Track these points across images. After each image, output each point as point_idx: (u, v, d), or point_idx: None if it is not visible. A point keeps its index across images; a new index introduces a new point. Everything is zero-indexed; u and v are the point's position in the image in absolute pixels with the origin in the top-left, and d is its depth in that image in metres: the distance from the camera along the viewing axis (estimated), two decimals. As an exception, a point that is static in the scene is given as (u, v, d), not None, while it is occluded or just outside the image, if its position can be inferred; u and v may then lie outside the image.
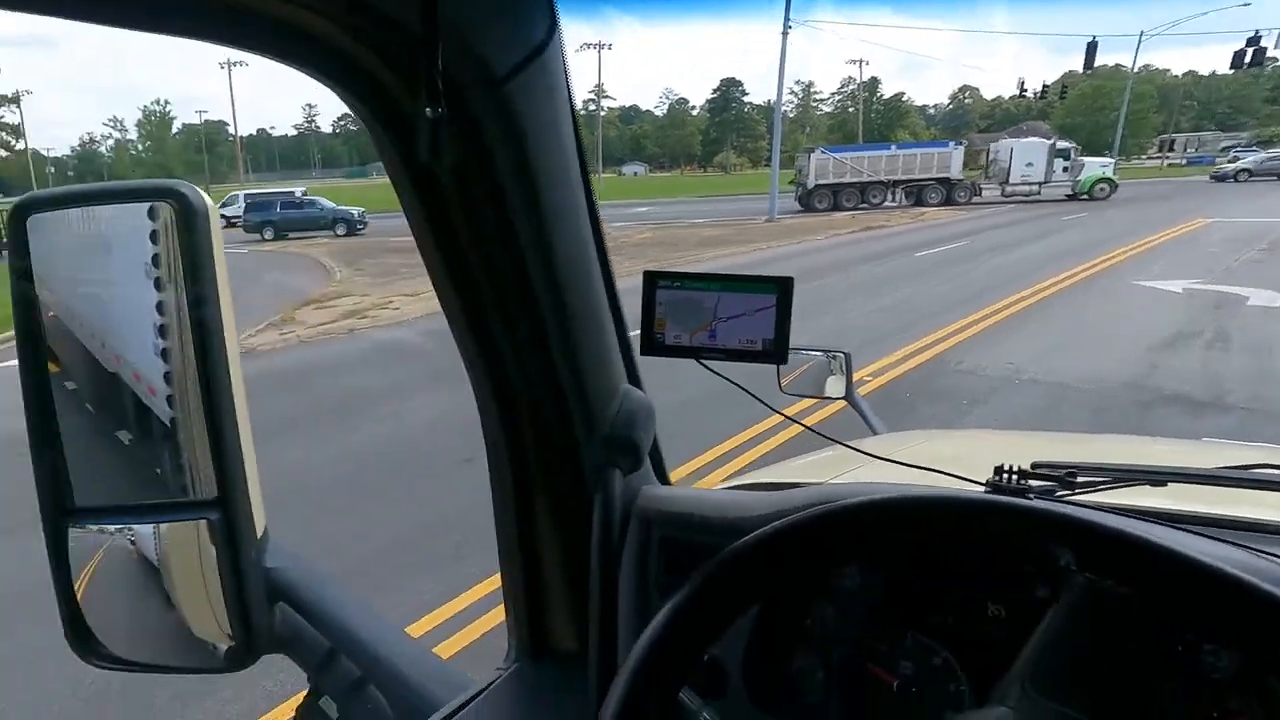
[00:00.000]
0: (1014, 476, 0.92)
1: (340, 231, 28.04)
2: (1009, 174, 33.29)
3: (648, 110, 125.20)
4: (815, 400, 1.84)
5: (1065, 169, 32.57)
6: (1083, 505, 0.93)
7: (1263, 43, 32.36)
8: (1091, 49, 34.76)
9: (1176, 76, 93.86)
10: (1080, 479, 0.98)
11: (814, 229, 23.42)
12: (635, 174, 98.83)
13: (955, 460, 1.07)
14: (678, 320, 0.96)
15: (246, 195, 32.14)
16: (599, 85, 66.57)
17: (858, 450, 1.18)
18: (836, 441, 1.20)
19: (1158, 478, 1.02)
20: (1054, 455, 1.06)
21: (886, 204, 32.57)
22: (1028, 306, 10.30)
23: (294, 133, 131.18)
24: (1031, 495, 0.90)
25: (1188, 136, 79.68)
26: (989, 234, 20.24)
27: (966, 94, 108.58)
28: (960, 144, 35.57)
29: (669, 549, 1.11)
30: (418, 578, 3.92)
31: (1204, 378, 6.70)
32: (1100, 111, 65.42)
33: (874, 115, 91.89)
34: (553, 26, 0.78)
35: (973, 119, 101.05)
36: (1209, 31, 52.54)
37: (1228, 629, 0.73)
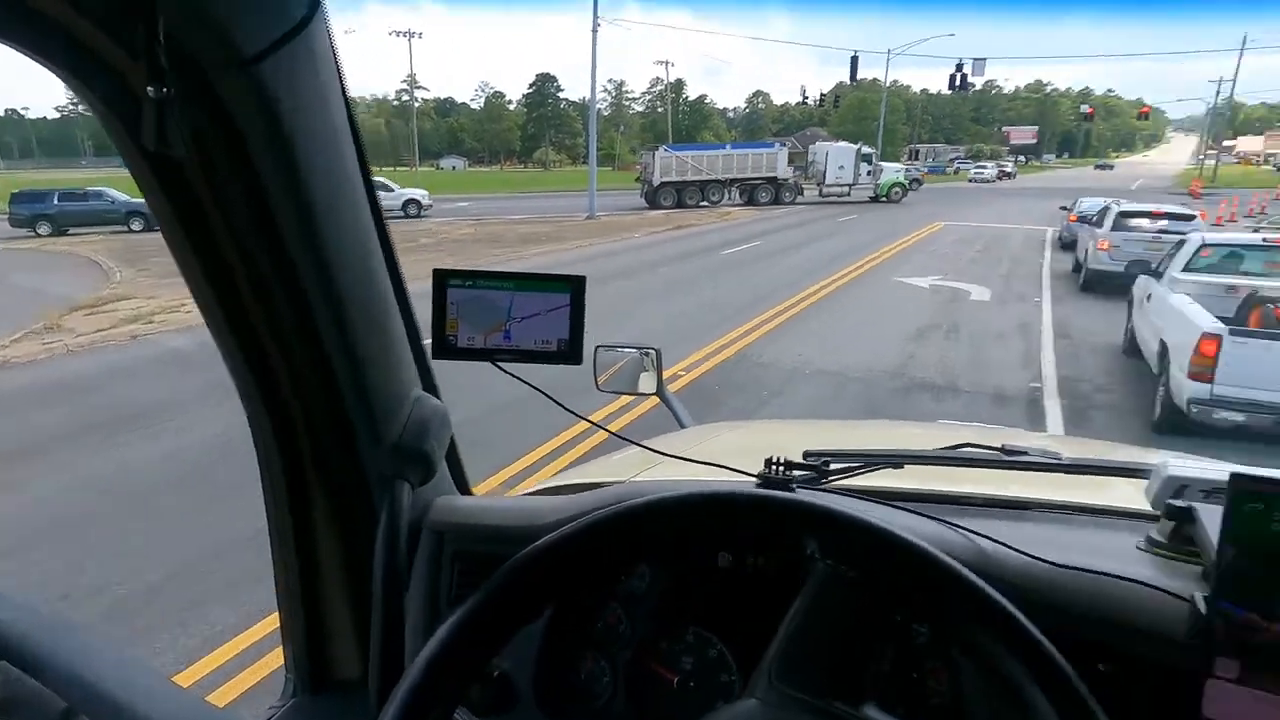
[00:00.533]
0: (781, 468, 0.96)
1: (136, 227, 24.56)
2: (825, 176, 35.37)
3: (464, 103, 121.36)
4: (631, 396, 1.85)
5: (869, 173, 35.18)
6: (838, 492, 1.01)
7: (965, 69, 37.25)
8: (854, 62, 36.98)
9: (916, 93, 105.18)
10: (835, 466, 1.04)
11: (630, 227, 24.27)
12: (454, 168, 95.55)
13: (743, 453, 1.06)
14: (471, 321, 0.89)
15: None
16: (411, 75, 64.05)
17: (650, 449, 1.15)
18: (630, 441, 1.19)
19: (896, 460, 1.10)
20: (826, 443, 1.12)
21: (724, 202, 33.42)
22: (814, 302, 11.54)
23: (56, 115, 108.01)
24: (794, 485, 0.95)
25: (926, 147, 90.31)
26: (780, 234, 22.02)
27: (760, 99, 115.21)
28: (784, 145, 37.39)
29: (463, 562, 1.06)
30: (205, 610, 3.59)
31: (941, 366, 8.03)
32: (865, 121, 71.96)
33: (681, 116, 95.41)
34: (314, 2, 0.72)
35: (766, 123, 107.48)
36: (934, 55, 60.07)
37: (921, 599, 0.75)
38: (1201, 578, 0.83)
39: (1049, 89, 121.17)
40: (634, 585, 1.04)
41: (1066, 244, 17.18)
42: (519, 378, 0.96)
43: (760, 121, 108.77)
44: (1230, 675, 0.72)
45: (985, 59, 43.54)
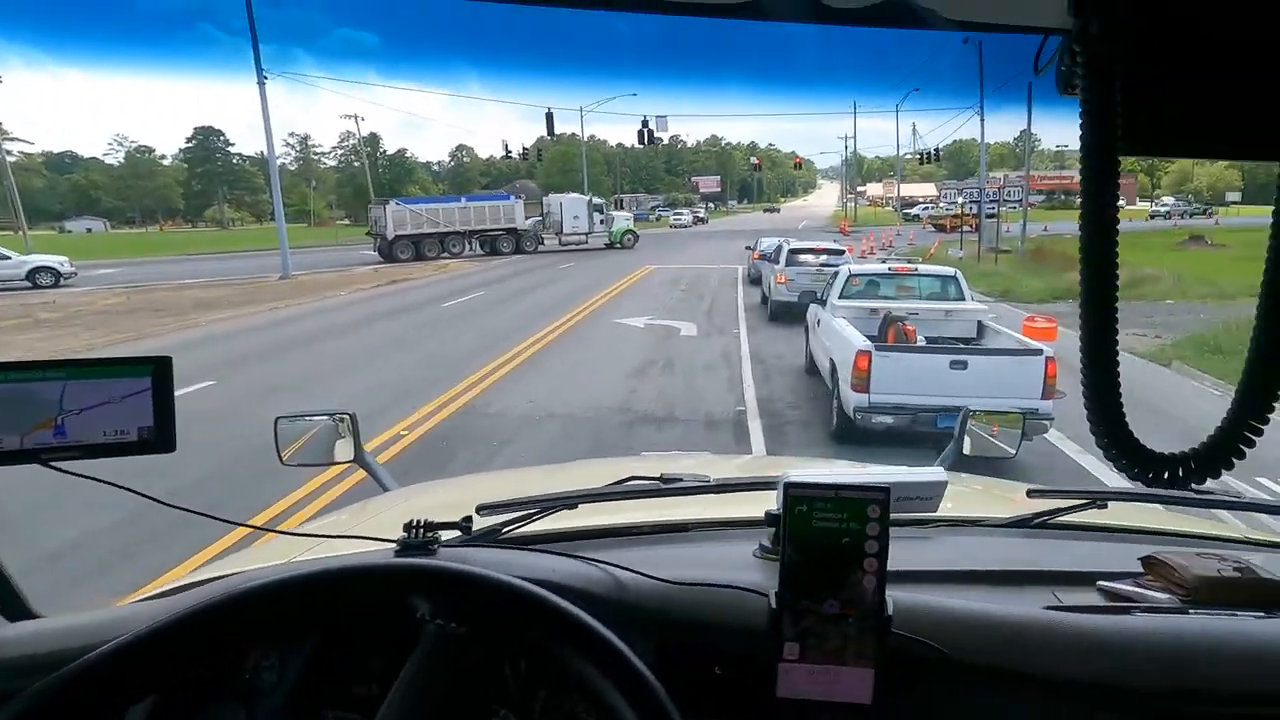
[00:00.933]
0: (421, 530, 0.95)
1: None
2: (562, 225, 36.53)
3: (93, 158, 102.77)
4: (326, 467, 1.78)
5: (601, 221, 36.99)
6: (494, 544, 1.02)
7: (650, 125, 41.42)
8: (550, 118, 38.41)
9: (612, 147, 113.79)
10: (502, 517, 1.06)
11: (335, 285, 22.92)
12: (89, 230, 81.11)
13: (432, 512, 1.03)
14: (2, 421, 0.79)
15: None
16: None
17: (276, 531, 1.11)
18: (220, 520, 1.07)
19: (570, 501, 1.14)
20: (519, 490, 1.16)
21: (466, 252, 32.96)
22: (542, 347, 11.84)
23: None
24: (437, 546, 0.95)
25: (630, 197, 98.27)
26: (502, 284, 22.30)
27: (464, 153, 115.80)
28: (520, 197, 38.09)
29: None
30: None
31: (660, 398, 8.70)
32: (570, 173, 75.94)
33: (381, 170, 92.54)
34: None
35: (473, 175, 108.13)
36: (623, 113, 66.24)
37: (523, 637, 0.75)
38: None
39: (724, 143, 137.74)
40: (264, 678, 0.94)
41: (754, 279, 19.55)
42: (93, 477, 0.85)
43: (467, 174, 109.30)
44: (794, 657, 0.84)
45: (666, 116, 48.58)
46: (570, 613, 0.73)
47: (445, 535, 0.99)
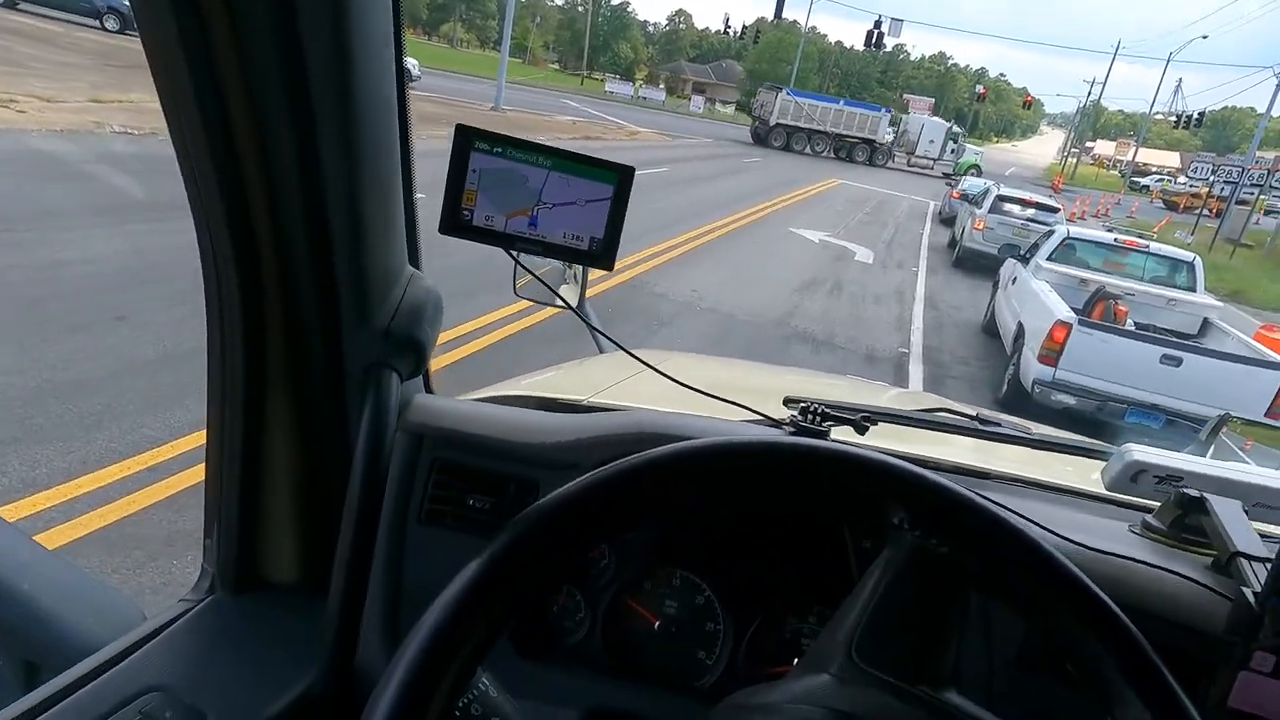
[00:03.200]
0: (816, 417, 0.91)
1: (111, 26, 21.47)
2: (916, 146, 36.48)
3: None
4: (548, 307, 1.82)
5: (953, 150, 36.16)
6: (879, 450, 0.98)
7: (882, 27, 38.01)
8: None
9: (831, 44, 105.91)
10: (873, 422, 0.98)
11: (536, 127, 23.25)
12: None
13: (726, 388, 0.99)
14: (494, 197, 0.77)
15: None
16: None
17: (651, 367, 1.04)
18: (629, 353, 1.08)
19: (871, 417, 1.00)
20: (791, 389, 1.08)
21: (824, 154, 33.61)
22: (711, 239, 11.60)
23: None
24: (830, 438, 0.90)
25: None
26: (687, 165, 21.81)
27: (681, 19, 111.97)
28: (889, 110, 37.59)
29: (441, 472, 0.96)
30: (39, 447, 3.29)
31: (823, 320, 8.33)
32: (780, 63, 71.83)
33: (601, 21, 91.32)
34: None
35: (684, 45, 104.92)
36: (855, 8, 60.65)
37: (1019, 591, 0.69)
38: (1212, 568, 0.84)
39: (950, 63, 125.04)
40: (638, 528, 0.94)
41: (946, 219, 18.08)
42: (538, 276, 0.91)
43: (679, 42, 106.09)
44: (1265, 669, 0.72)
45: (903, 20, 44.19)
46: (1080, 579, 0.62)
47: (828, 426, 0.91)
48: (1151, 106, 61.40)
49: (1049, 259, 7.92)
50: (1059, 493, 1.11)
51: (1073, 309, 6.39)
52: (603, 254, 0.82)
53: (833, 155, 34.73)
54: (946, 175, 34.09)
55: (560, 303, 1.69)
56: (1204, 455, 1.60)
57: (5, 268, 5.20)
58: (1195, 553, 0.89)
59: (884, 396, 2.12)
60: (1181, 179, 50.27)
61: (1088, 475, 1.07)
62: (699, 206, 14.29)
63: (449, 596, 0.56)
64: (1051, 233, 8.53)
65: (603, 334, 1.80)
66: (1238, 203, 23.95)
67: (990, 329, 8.51)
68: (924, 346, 7.99)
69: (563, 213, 0.79)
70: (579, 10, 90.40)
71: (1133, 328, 6.72)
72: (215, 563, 0.93)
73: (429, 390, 1.06)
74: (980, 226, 12.89)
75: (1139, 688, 0.61)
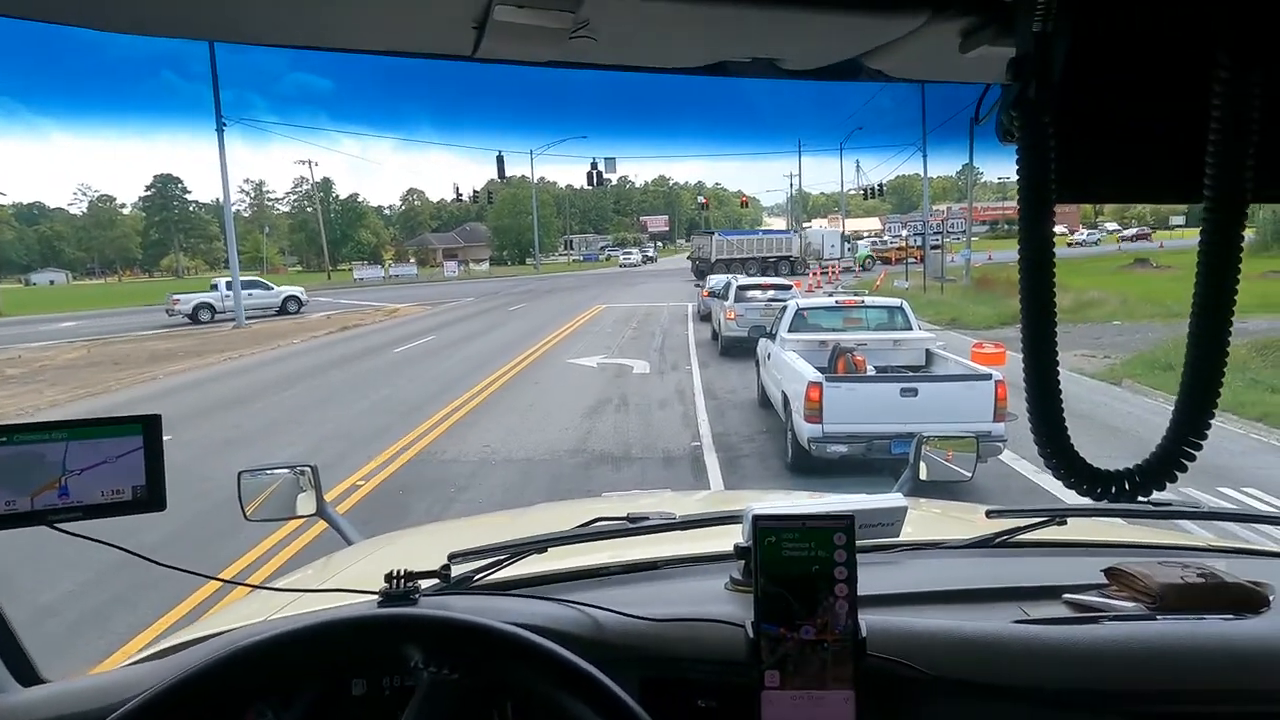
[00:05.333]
0: (401, 581, 0.98)
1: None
2: (821, 252, 43.19)
3: (58, 208, 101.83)
4: (289, 520, 1.79)
5: (849, 249, 45.93)
6: (470, 591, 1.04)
7: (599, 167, 42.57)
8: (500, 161, 38.97)
9: (562, 189, 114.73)
10: (475, 564, 1.07)
11: (288, 333, 22.40)
12: (51, 283, 79.88)
13: (390, 567, 1.04)
14: (10, 482, 0.79)
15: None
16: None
17: (259, 587, 1.13)
18: (205, 576, 1.17)
19: (540, 545, 1.16)
20: (486, 537, 1.17)
21: (753, 272, 36.50)
22: (493, 392, 11.66)
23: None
24: (417, 596, 0.97)
25: (579, 238, 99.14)
26: (454, 327, 22.08)
27: (415, 196, 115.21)
28: (796, 232, 48.23)
29: None
30: None
31: (616, 437, 8.62)
32: (521, 215, 76.11)
33: (334, 215, 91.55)
34: None
35: (424, 219, 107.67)
36: (572, 155, 67.41)
37: (512, 678, 0.78)
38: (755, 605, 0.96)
39: (671, 183, 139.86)
40: None
41: (704, 315, 19.69)
42: (95, 539, 0.86)
43: (418, 217, 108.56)
44: (775, 684, 0.85)
45: (614, 158, 49.34)
46: (559, 655, 0.74)
47: (424, 584, 1.01)
48: (842, 185, 72.89)
49: (790, 331, 8.88)
50: (692, 564, 1.26)
51: (819, 369, 7.18)
52: (151, 498, 0.85)
53: (759, 272, 38.94)
54: (699, 274, 39.93)
55: (300, 512, 1.73)
56: (917, 476, 1.92)
57: None
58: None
59: (577, 514, 2.34)
60: (887, 237, 60.30)
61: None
62: (472, 364, 14.44)
63: None
64: (785, 307, 9.63)
65: (346, 529, 1.86)
66: (933, 248, 28.77)
67: (765, 403, 9.27)
68: (713, 435, 8.50)
69: (94, 474, 0.82)
70: (309, 211, 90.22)
71: (873, 372, 7.68)
72: None
73: (33, 680, 1.05)
74: (731, 316, 14.23)
75: (605, 717, 0.72)
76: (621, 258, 71.85)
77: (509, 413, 10.14)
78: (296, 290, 31.18)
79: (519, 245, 71.24)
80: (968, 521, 1.66)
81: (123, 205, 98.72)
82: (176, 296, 28.51)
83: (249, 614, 1.48)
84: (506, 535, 1.19)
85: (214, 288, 29.14)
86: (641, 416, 9.65)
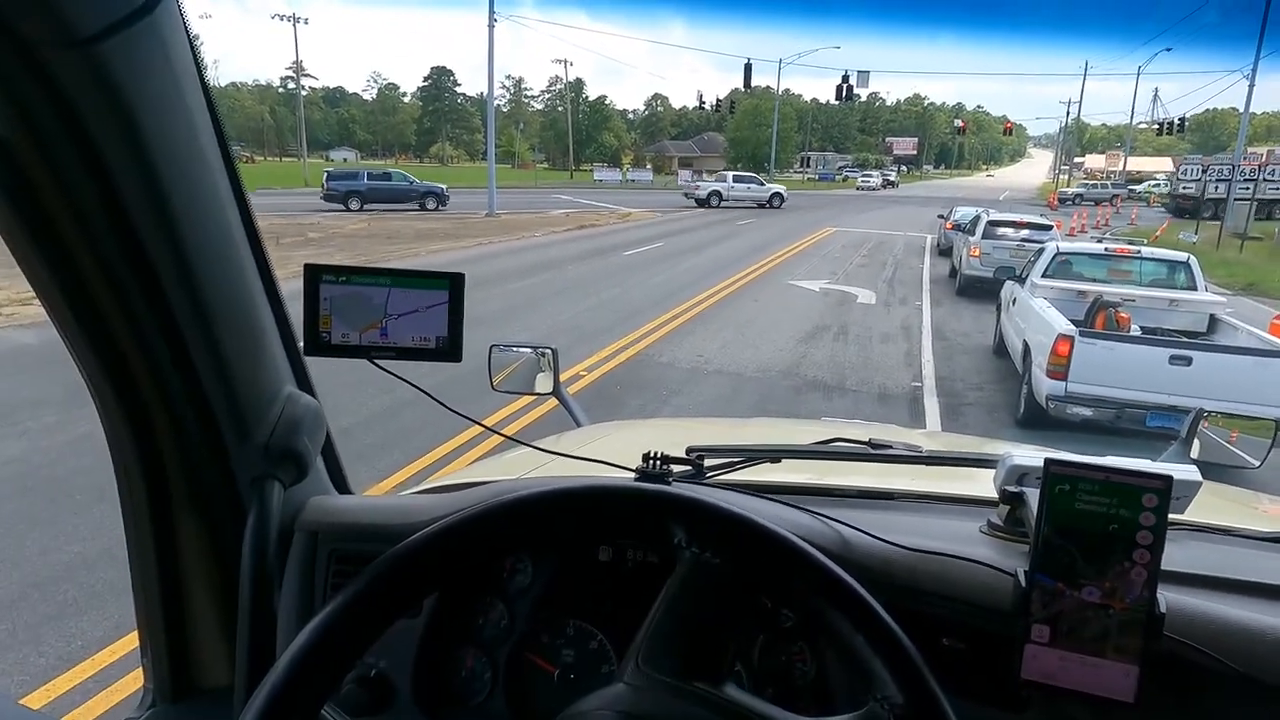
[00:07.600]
0: (657, 463, 1.01)
1: (430, 205, 29.00)
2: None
3: (355, 94, 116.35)
4: (528, 396, 1.86)
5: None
6: (714, 486, 1.05)
7: (850, 81, 39.32)
8: (748, 70, 38.20)
9: (806, 102, 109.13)
10: (715, 461, 1.08)
11: (531, 225, 24.03)
12: (344, 160, 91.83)
13: (631, 449, 1.08)
14: (345, 318, 0.88)
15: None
16: (298, 62, 60.42)
17: (535, 447, 1.19)
18: (517, 441, 1.24)
19: (774, 455, 1.16)
20: (710, 440, 1.17)
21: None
22: (713, 304, 11.81)
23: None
24: (670, 480, 0.99)
25: (818, 154, 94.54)
26: (682, 237, 22.33)
27: (659, 102, 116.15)
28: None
29: (340, 562, 1.05)
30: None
31: (831, 366, 8.41)
32: (760, 128, 73.87)
33: (581, 116, 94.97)
34: None
35: (665, 125, 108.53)
36: (823, 66, 63.18)
37: (778, 582, 0.80)
38: (1028, 555, 0.92)
39: (926, 103, 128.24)
40: (516, 580, 1.05)
41: (944, 250, 18.27)
42: (401, 377, 0.95)
43: (659, 124, 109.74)
44: (1043, 640, 0.80)
45: (869, 71, 45.77)
46: (827, 566, 0.75)
47: (676, 470, 1.02)
48: (1131, 118, 62.44)
49: (1044, 276, 8.00)
50: (935, 501, 1.21)
51: (1073, 321, 6.44)
52: (450, 349, 0.91)
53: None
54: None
55: (538, 390, 1.83)
56: (1187, 453, 1.64)
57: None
58: (1025, 544, 0.95)
59: (798, 433, 2.16)
60: (1180, 181, 50.57)
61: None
62: (695, 274, 14.60)
63: (311, 628, 0.68)
64: (1042, 250, 8.65)
65: (577, 411, 1.98)
66: (1237, 199, 24.06)
67: (1001, 351, 8.54)
68: (936, 378, 8.02)
69: (408, 320, 0.89)
70: (559, 110, 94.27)
71: (1138, 332, 6.75)
72: (152, 678, 1.02)
73: (345, 491, 1.16)
74: (975, 253, 13.04)
75: (884, 658, 0.71)
76: (860, 180, 67.99)
77: (726, 327, 10.22)
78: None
79: (754, 159, 69.53)
80: (1253, 510, 1.46)
81: (404, 94, 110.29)
82: (696, 183, 33.39)
83: (500, 470, 1.60)
84: (726, 440, 1.20)
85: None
86: (861, 348, 9.31)
